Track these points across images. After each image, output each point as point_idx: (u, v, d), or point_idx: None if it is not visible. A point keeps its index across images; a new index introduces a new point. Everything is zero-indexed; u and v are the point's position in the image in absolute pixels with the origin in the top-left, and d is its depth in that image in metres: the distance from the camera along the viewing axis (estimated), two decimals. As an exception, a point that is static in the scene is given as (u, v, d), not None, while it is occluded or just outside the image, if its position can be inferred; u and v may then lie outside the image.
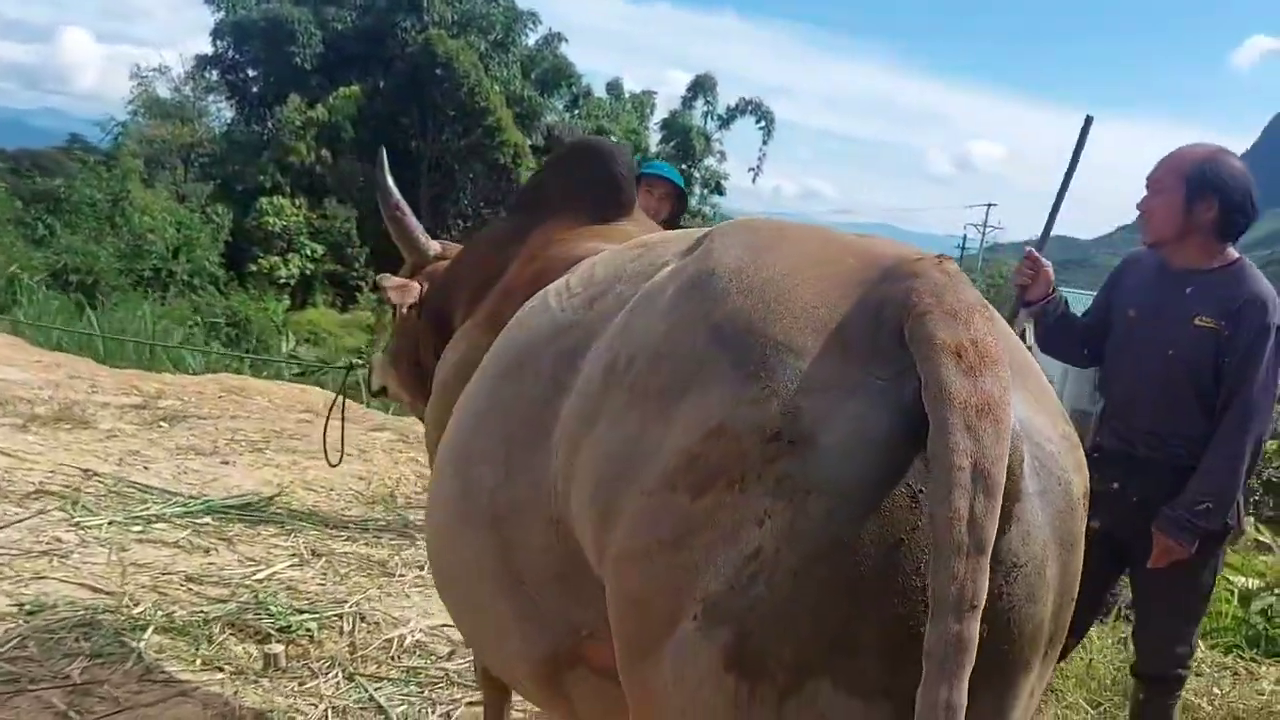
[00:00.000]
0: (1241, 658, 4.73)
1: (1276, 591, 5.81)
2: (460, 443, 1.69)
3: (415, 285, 2.89)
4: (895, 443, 1.11)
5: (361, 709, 2.92)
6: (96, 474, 4.66)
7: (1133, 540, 3.01)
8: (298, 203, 38.58)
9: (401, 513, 5.00)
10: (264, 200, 37.84)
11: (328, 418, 3.62)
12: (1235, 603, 5.52)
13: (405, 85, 40.13)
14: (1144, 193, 3.06)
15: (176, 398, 6.83)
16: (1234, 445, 2.82)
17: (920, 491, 1.09)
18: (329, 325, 33.75)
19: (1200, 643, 4.95)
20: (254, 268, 36.58)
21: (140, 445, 5.36)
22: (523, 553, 1.51)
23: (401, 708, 2.94)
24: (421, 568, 4.16)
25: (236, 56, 43.37)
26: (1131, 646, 3.24)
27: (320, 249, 38.73)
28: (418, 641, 3.39)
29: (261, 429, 6.20)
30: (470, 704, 3.00)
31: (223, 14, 42.63)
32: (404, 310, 2.93)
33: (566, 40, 46.02)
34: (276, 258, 37.53)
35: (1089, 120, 3.41)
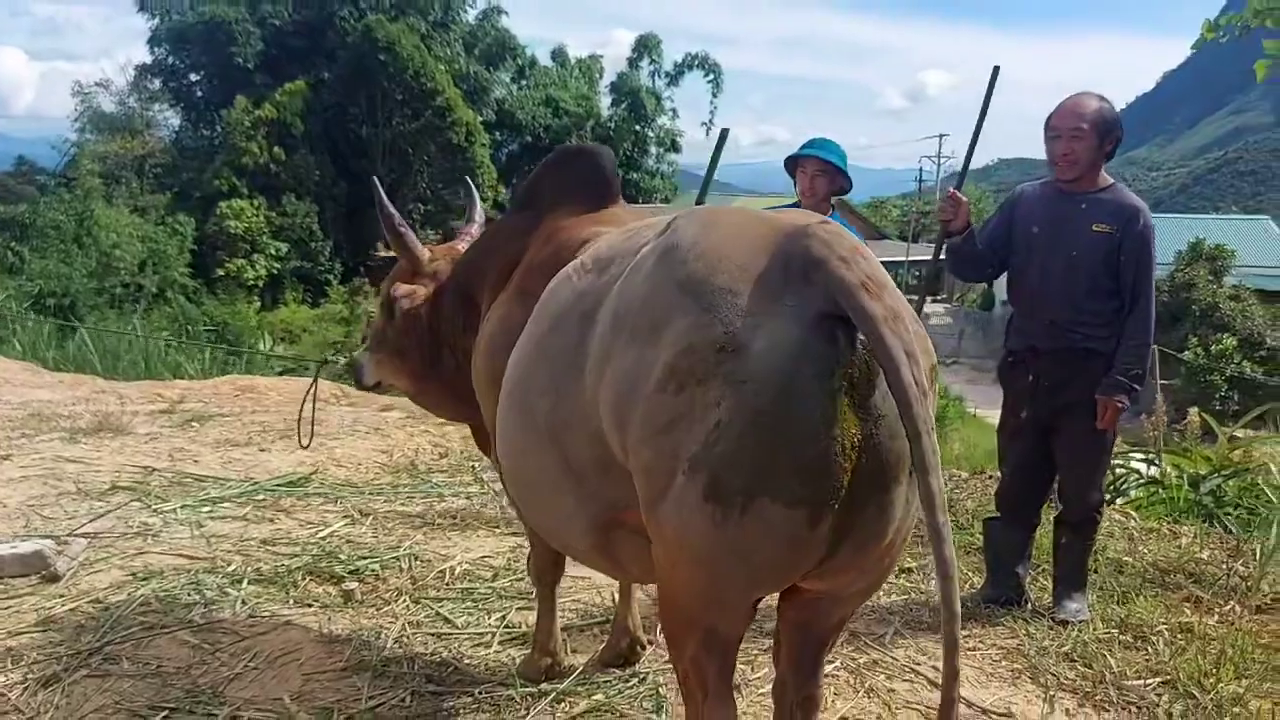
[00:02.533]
0: (1164, 520, 5.48)
1: (1223, 473, 6.58)
2: (520, 383, 2.34)
3: (421, 289, 3.42)
4: (800, 347, 1.76)
5: (431, 622, 3.59)
6: (156, 469, 5.29)
7: (1051, 419, 3.79)
8: (256, 203, 38.67)
9: (425, 477, 5.64)
10: (223, 204, 37.91)
11: (301, 405, 4.00)
12: (1186, 487, 6.21)
13: (350, 74, 40.17)
14: (1058, 138, 3.80)
15: (197, 400, 7.44)
16: (1144, 324, 3.71)
17: (814, 371, 1.75)
18: (302, 322, 34.06)
19: (1134, 511, 5.75)
20: (221, 272, 36.78)
21: (183, 443, 5.98)
22: (574, 455, 2.15)
23: (463, 618, 3.62)
24: (455, 516, 4.84)
25: (177, 63, 43.15)
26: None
27: (284, 247, 38.90)
28: (465, 570, 4.06)
29: (282, 420, 6.81)
30: (519, 610, 3.68)
31: (158, 21, 42.33)
32: (408, 310, 3.39)
33: (506, 13, 46.02)
34: (242, 260, 37.70)
35: (996, 70, 4.13)
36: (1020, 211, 3.89)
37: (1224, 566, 4.43)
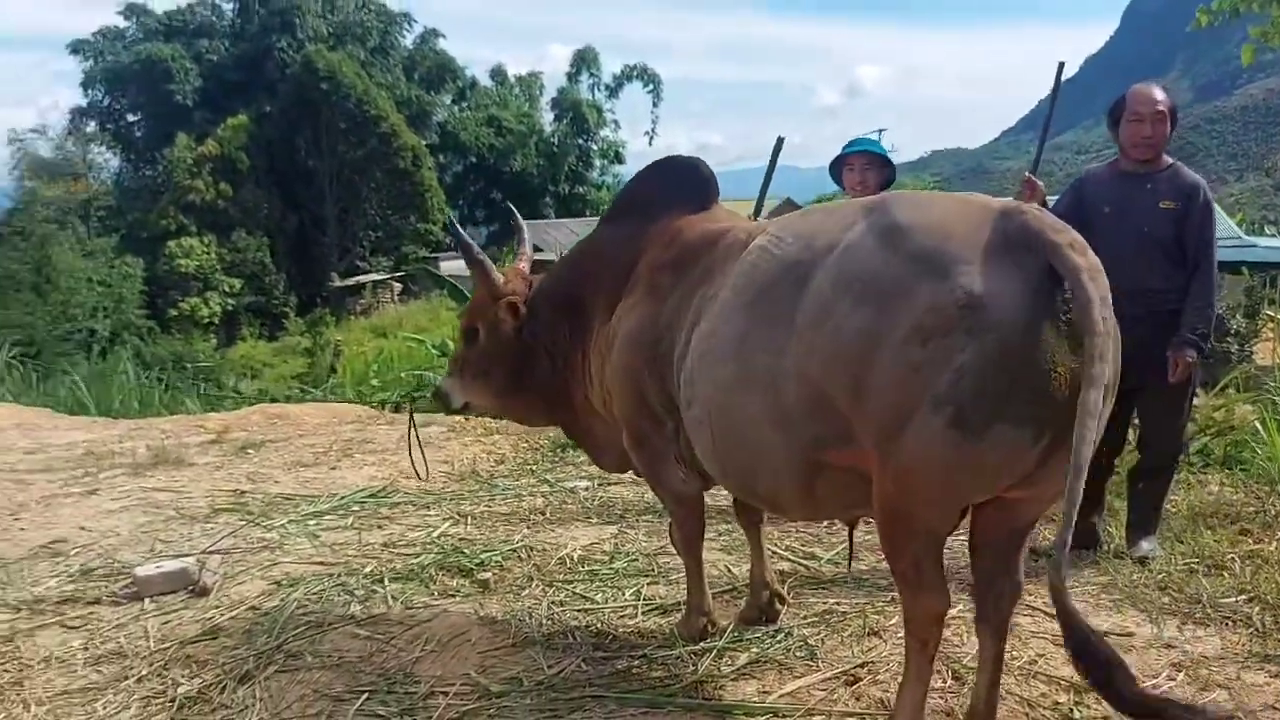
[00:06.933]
0: (1191, 473, 5.91)
1: (1208, 433, 7.15)
2: (733, 344, 2.66)
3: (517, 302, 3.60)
4: (1029, 302, 2.16)
5: (573, 601, 3.88)
6: (244, 491, 5.51)
7: (1138, 377, 4.15)
8: (206, 240, 38.45)
9: (492, 482, 5.89)
10: (171, 244, 37.65)
11: (409, 444, 4.22)
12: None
13: (292, 105, 40.11)
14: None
15: (241, 430, 7.62)
16: (1207, 288, 4.12)
17: (1043, 320, 2.14)
18: (262, 357, 33.79)
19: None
20: (174, 312, 36.50)
21: (253, 468, 6.19)
22: (787, 400, 2.51)
23: (599, 595, 3.92)
24: (543, 513, 5.12)
25: (113, 104, 42.74)
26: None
27: (237, 283, 38.71)
28: (581, 557, 4.36)
29: (334, 440, 7.04)
30: (649, 585, 3.99)
31: (91, 62, 41.87)
32: (499, 333, 3.60)
33: (444, 35, 46.27)
34: (195, 299, 37.47)
35: (1061, 65, 4.56)
36: (1088, 193, 4.27)
37: (1261, 505, 4.86)
